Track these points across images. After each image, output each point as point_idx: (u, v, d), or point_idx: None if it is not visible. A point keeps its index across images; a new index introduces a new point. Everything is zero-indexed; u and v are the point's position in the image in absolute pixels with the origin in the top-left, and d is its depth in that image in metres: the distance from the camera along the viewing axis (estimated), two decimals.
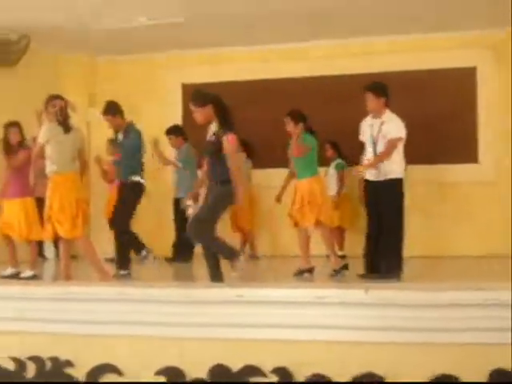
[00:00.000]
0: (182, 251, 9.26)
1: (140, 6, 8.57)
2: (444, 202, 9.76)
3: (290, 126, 7.50)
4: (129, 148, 7.62)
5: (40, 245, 8.64)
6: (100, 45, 10.28)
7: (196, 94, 6.44)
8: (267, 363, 4.48)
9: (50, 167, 6.80)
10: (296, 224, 7.55)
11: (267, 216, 10.07)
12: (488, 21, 8.76)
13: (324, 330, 4.38)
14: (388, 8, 8.68)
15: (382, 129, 6.97)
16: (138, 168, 7.67)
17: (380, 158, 6.92)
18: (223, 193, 6.15)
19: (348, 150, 9.31)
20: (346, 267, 7.38)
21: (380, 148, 6.95)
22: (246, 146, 10.03)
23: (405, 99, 9.61)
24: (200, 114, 6.24)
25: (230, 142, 6.09)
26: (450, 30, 9.50)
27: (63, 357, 4.86)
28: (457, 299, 4.28)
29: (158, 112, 10.50)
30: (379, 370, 4.31)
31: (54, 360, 4.86)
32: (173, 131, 9.56)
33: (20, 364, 4.92)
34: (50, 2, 8.28)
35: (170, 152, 9.64)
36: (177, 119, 10.23)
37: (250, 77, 10.39)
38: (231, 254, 6.18)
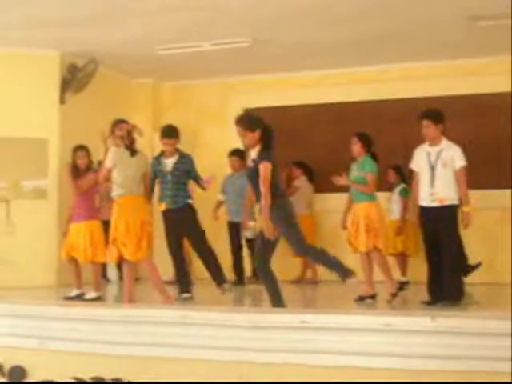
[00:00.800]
0: (238, 275, 9.41)
1: (205, 31, 8.68)
2: (506, 227, 9.54)
3: (357, 147, 7.45)
4: (185, 172, 7.72)
5: (103, 267, 8.74)
6: (165, 70, 10.45)
7: (246, 118, 6.41)
8: None
9: (116, 190, 6.90)
10: (353, 249, 7.49)
11: (328, 241, 9.99)
12: None
13: (389, 358, 4.31)
14: (451, 33, 8.61)
15: (441, 156, 6.86)
16: (189, 191, 7.80)
17: (465, 194, 6.81)
18: (275, 209, 6.14)
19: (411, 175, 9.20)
20: (401, 288, 7.34)
21: (439, 176, 6.82)
22: (307, 171, 10.06)
23: (466, 123, 9.52)
24: (250, 139, 6.22)
25: (264, 168, 6.08)
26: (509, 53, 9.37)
27: (125, 378, 4.90)
28: None
29: (220, 136, 10.59)
30: None
31: (117, 381, 4.90)
32: (236, 153, 9.81)
33: None
34: (118, 27, 8.46)
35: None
36: (238, 143, 10.28)
37: (310, 101, 10.41)
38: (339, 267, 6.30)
